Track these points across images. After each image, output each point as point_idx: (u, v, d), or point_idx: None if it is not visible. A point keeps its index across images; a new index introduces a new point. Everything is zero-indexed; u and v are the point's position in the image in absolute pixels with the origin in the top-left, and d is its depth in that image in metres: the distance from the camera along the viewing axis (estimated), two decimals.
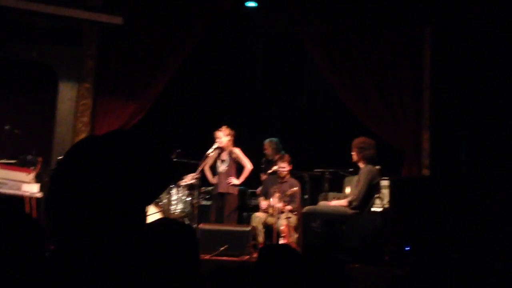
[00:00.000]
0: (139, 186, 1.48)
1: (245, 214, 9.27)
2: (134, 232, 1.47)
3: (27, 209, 7.10)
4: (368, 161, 7.17)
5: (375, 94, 8.77)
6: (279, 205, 7.87)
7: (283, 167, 8.32)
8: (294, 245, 7.44)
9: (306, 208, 7.30)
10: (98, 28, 8.81)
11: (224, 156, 8.38)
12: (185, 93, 10.90)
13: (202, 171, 8.47)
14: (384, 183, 7.52)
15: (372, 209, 7.37)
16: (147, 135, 1.57)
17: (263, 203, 8.35)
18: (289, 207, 8.06)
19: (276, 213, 7.78)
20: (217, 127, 8.38)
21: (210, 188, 8.88)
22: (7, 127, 7.89)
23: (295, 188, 8.18)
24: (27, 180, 7.27)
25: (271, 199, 8.08)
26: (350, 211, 7.03)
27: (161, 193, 1.60)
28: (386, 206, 7.50)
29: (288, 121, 11.07)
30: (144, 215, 1.54)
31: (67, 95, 8.91)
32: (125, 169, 1.46)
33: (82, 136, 8.65)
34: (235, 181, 8.28)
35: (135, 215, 1.48)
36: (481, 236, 5.97)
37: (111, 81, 8.97)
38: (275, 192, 7.94)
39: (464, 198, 6.25)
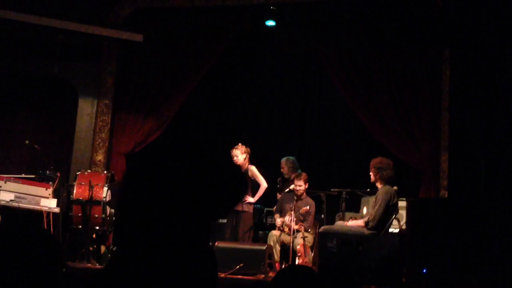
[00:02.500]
0: (212, 201, 1.48)
1: (261, 232, 9.23)
2: (199, 247, 1.46)
3: (44, 224, 7.13)
4: (386, 181, 7.13)
5: (394, 115, 8.72)
6: (293, 223, 7.83)
7: (299, 185, 8.30)
8: (309, 265, 7.39)
9: (323, 227, 7.25)
10: (119, 45, 8.90)
11: None
12: (203, 110, 10.93)
13: None
14: (402, 204, 7.46)
15: (390, 230, 7.31)
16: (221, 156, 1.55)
17: (278, 220, 8.32)
18: (302, 226, 8.02)
19: (291, 231, 7.75)
20: (234, 145, 8.39)
21: None
22: (27, 142, 7.96)
23: (307, 207, 8.13)
24: (46, 195, 7.32)
25: (286, 217, 8.05)
26: (367, 232, 6.98)
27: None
28: (404, 227, 7.43)
29: (306, 140, 11.05)
30: (209, 230, 1.52)
31: (86, 111, 9.00)
32: (203, 183, 1.46)
33: (100, 152, 8.72)
34: (250, 199, 8.26)
35: (203, 229, 1.47)
36: (499, 259, 5.90)
37: (130, 98, 9.05)
38: (290, 209, 7.92)
39: (482, 220, 6.19)
